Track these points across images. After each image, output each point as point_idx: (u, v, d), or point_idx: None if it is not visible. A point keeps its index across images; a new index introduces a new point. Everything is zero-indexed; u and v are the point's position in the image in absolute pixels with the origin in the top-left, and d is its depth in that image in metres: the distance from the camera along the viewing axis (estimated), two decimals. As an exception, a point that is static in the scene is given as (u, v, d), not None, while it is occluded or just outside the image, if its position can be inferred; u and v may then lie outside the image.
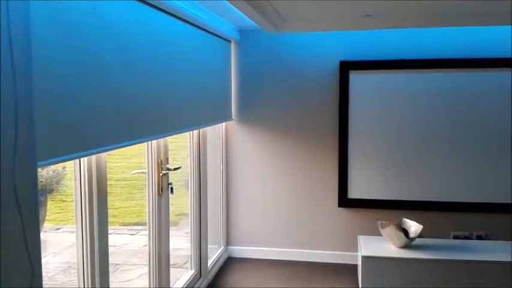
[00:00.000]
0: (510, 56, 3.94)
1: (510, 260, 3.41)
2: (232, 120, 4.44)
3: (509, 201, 4.02)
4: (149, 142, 2.91)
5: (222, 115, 4.16)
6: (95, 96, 2.04)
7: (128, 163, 5.34)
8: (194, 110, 3.39)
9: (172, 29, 2.93)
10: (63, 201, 4.04)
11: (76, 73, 1.89)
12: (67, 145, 1.82)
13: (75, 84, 1.88)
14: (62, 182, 3.63)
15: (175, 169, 3.14)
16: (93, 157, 2.20)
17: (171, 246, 3.18)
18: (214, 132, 4.35)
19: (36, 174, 1.13)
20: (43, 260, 1.20)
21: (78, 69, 1.91)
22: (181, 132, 3.18)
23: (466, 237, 4.13)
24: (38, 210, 1.12)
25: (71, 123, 1.85)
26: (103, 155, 2.26)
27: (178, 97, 3.05)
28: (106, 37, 2.13)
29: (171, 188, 3.15)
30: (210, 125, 3.89)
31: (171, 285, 3.23)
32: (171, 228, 3.20)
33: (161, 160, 3.02)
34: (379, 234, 3.83)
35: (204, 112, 3.63)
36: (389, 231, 3.65)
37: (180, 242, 4.94)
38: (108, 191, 2.33)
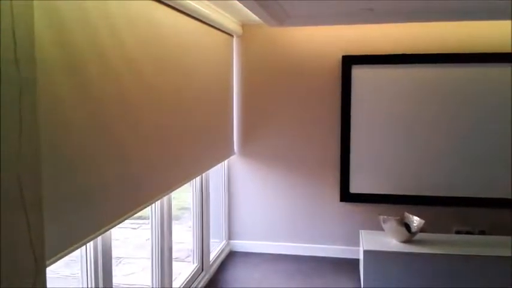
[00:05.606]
0: (511, 51, 3.92)
1: (512, 255, 3.42)
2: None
3: (512, 197, 4.02)
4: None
5: (227, 141, 4.18)
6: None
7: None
8: (200, 147, 3.45)
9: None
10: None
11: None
12: (74, 233, 1.81)
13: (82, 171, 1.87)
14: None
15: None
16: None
17: (173, 240, 3.19)
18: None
19: (41, 173, 1.13)
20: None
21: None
22: (189, 181, 3.28)
23: (468, 232, 4.13)
24: (43, 209, 1.12)
25: (78, 208, 1.84)
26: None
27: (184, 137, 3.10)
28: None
29: (174, 183, 3.15)
30: (218, 162, 4.06)
31: (173, 279, 3.24)
32: (173, 222, 3.21)
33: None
34: (381, 229, 3.84)
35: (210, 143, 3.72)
36: (391, 225, 3.65)
37: (183, 236, 4.96)
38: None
